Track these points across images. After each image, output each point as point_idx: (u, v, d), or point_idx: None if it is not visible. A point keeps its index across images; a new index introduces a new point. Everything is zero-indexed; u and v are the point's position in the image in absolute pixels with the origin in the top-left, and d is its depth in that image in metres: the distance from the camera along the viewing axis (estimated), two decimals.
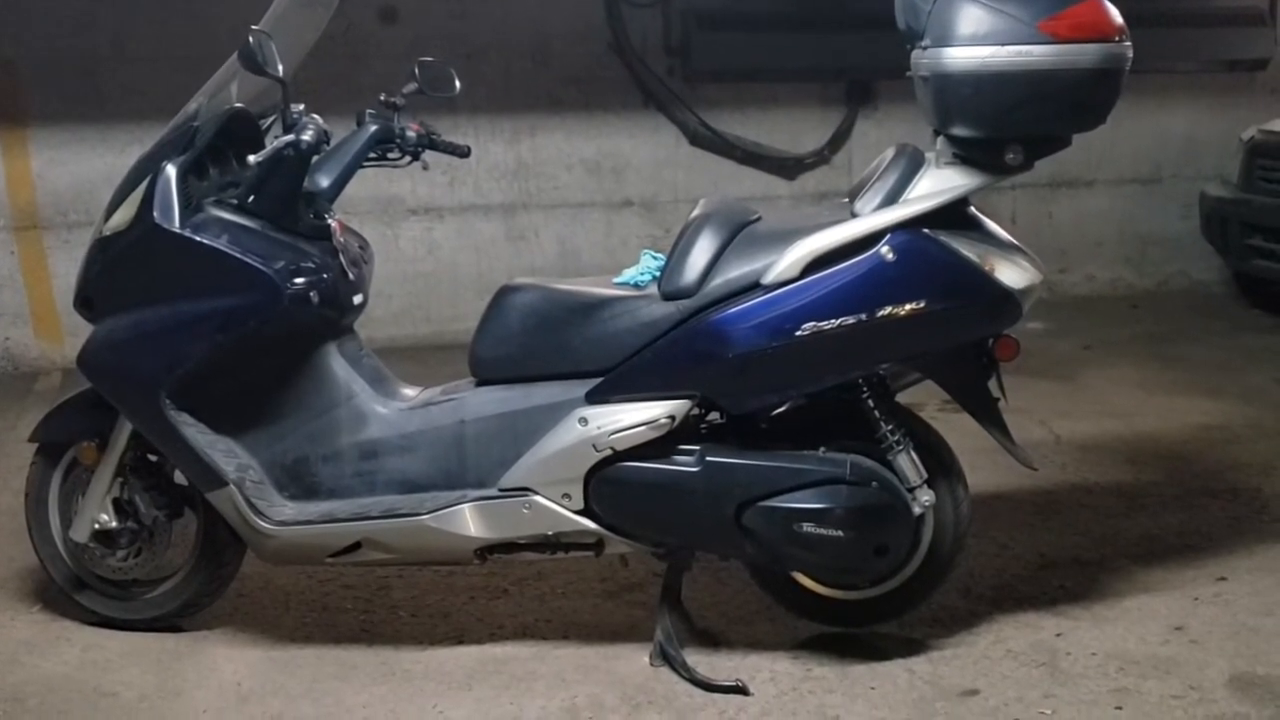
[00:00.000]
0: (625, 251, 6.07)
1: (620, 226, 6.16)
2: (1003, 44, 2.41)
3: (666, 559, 2.80)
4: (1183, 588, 3.08)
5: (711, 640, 2.87)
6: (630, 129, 6.08)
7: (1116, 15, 2.49)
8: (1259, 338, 5.67)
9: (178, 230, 2.64)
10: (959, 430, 2.89)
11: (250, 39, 2.52)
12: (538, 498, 2.67)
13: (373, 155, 2.94)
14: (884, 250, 2.53)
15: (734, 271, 2.60)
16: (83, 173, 5.45)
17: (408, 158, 3.01)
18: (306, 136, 2.60)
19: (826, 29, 5.94)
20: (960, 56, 2.44)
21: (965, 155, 2.57)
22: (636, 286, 2.74)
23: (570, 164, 6.05)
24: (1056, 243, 6.46)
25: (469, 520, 2.68)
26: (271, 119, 2.89)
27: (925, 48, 2.51)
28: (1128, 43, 2.49)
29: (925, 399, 3.26)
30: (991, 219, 2.71)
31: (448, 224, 5.95)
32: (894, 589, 2.80)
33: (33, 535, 3.01)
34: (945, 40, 2.46)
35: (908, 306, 2.52)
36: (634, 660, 2.78)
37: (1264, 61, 6.52)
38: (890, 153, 2.69)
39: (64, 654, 2.89)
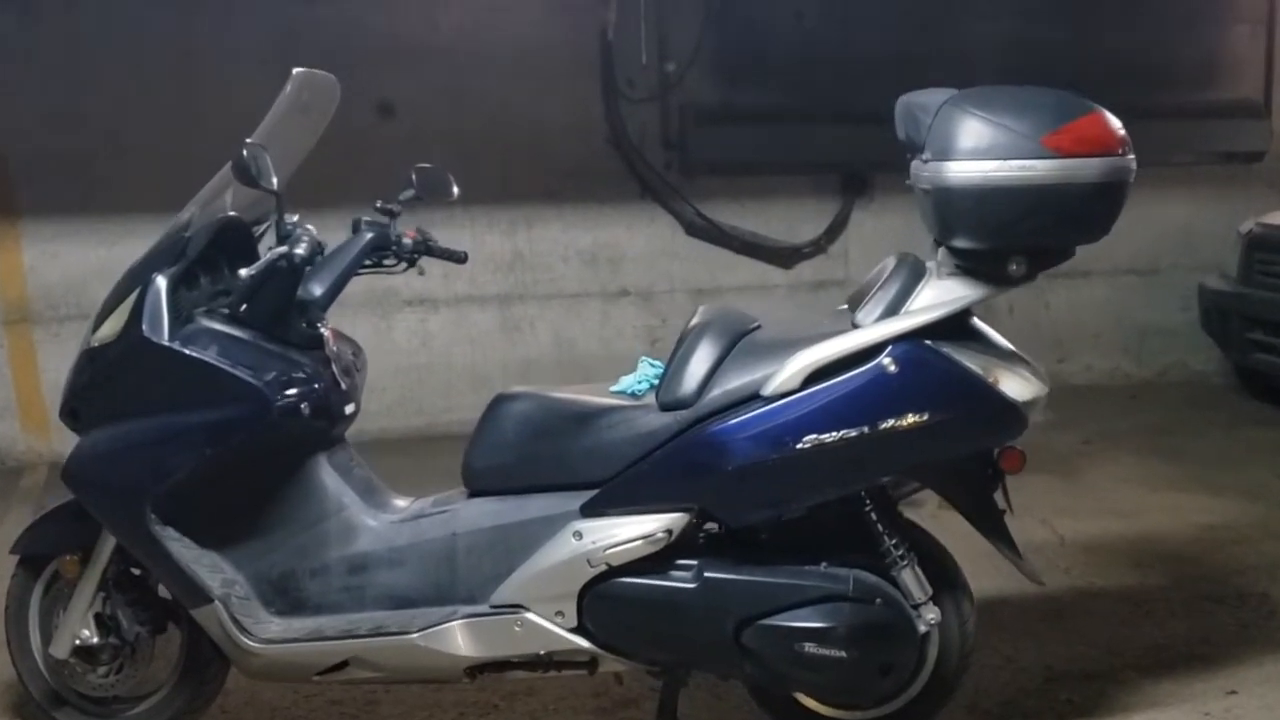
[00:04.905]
0: (621, 341, 6.04)
1: (616, 316, 6.14)
2: (1006, 158, 2.39)
3: (662, 676, 2.72)
4: (1192, 700, 3.01)
5: None
6: (627, 220, 6.07)
7: (1119, 128, 2.47)
8: (1260, 431, 5.62)
9: (166, 343, 2.60)
10: (959, 532, 2.81)
11: (245, 152, 2.49)
12: (530, 615, 2.59)
13: (368, 263, 2.90)
14: (886, 361, 2.48)
15: (733, 382, 2.55)
16: (74, 266, 5.42)
17: (404, 264, 2.97)
18: (300, 250, 2.58)
19: (822, 123, 5.98)
20: (962, 171, 2.42)
21: (967, 266, 2.54)
22: (634, 396, 2.70)
23: (567, 255, 6.04)
24: (1054, 333, 6.45)
25: (459, 639, 2.60)
26: (265, 226, 2.86)
27: (926, 160, 2.49)
28: (1131, 155, 2.47)
29: (924, 497, 3.20)
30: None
31: (442, 315, 5.92)
32: (899, 709, 2.72)
33: (11, 649, 2.92)
34: (947, 154, 2.43)
35: (910, 418, 2.47)
36: None
37: (1260, 154, 6.55)
38: (891, 262, 2.66)
39: None
